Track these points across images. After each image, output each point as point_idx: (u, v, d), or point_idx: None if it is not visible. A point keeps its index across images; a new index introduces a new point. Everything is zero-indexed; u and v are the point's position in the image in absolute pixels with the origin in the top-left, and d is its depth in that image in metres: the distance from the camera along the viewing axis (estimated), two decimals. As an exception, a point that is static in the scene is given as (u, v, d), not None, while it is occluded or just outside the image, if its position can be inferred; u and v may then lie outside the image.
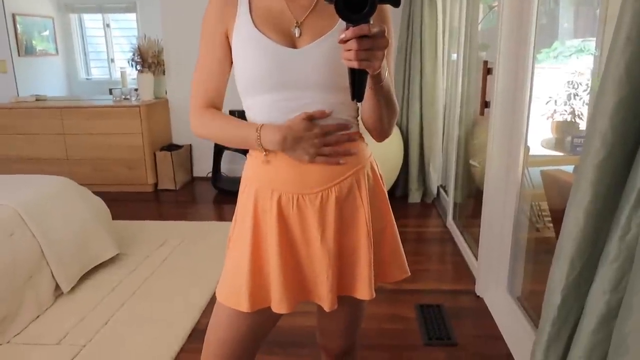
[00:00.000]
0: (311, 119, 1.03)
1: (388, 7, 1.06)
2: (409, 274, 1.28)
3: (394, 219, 1.24)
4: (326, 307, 1.11)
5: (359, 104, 1.09)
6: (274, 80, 1.03)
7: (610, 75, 0.62)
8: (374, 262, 1.12)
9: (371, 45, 0.82)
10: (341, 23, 0.98)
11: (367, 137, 1.17)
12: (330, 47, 1.02)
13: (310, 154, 1.03)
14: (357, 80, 0.87)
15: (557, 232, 2.16)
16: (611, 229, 0.70)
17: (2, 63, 4.80)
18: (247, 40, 1.05)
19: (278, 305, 1.08)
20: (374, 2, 0.79)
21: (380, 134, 1.12)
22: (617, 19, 0.64)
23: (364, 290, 1.12)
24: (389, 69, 1.01)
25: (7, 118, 4.29)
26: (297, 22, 1.05)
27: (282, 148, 1.04)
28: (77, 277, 2.54)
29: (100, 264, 2.74)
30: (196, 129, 1.14)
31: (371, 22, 0.82)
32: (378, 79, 0.94)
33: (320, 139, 1.03)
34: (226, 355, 1.18)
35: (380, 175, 1.20)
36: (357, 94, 0.89)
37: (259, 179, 1.11)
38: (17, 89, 4.85)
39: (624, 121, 0.62)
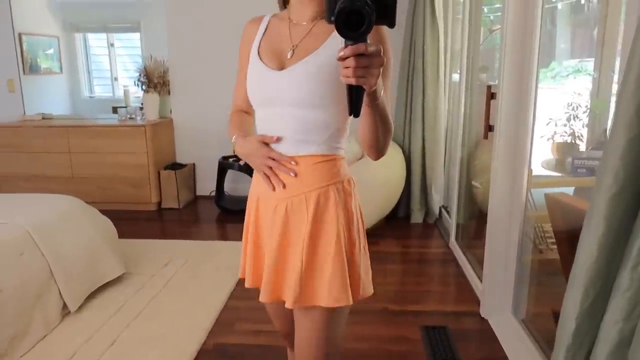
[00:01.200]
0: (263, 142, 1.20)
1: (385, 31, 1.11)
2: (341, 304, 1.18)
3: (355, 244, 1.24)
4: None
5: (351, 121, 1.17)
6: (259, 98, 1.21)
7: (621, 116, 0.66)
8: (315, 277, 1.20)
9: (368, 63, 0.87)
10: (326, 45, 1.15)
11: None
12: (307, 68, 1.14)
13: (256, 167, 1.22)
14: (354, 96, 0.92)
15: (561, 254, 2.19)
16: (623, 260, 0.73)
17: (11, 82, 4.86)
18: (250, 63, 1.24)
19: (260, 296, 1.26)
20: (370, 22, 0.83)
21: (377, 152, 1.16)
22: (627, 60, 0.68)
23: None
24: (385, 89, 1.07)
25: (14, 136, 4.34)
26: (293, 45, 1.19)
27: (242, 156, 1.24)
28: (84, 297, 2.56)
29: (106, 283, 2.76)
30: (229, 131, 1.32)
31: (368, 41, 0.87)
32: (374, 97, 1.00)
33: (264, 159, 1.19)
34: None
35: (352, 196, 1.24)
36: (354, 110, 0.94)
37: (254, 186, 1.30)
38: (24, 107, 4.90)
39: (634, 159, 0.66)
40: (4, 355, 2.03)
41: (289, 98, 1.15)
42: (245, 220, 1.34)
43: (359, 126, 1.11)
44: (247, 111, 1.33)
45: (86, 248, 2.63)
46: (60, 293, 2.40)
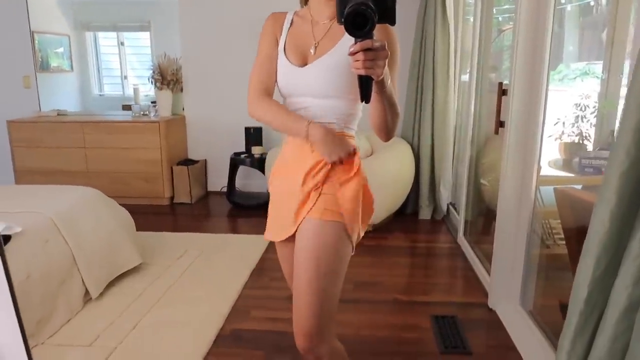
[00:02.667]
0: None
1: (393, 30, 1.30)
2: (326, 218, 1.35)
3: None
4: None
5: (363, 105, 1.30)
6: (286, 90, 1.40)
7: (633, 96, 0.73)
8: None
9: (374, 56, 1.05)
10: (339, 44, 1.33)
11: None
12: (324, 65, 1.33)
13: (330, 153, 1.34)
14: (364, 85, 1.11)
15: (569, 249, 2.26)
16: (633, 230, 0.80)
17: (27, 79, 4.96)
18: (278, 58, 1.40)
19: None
20: (373, 22, 1.01)
21: (386, 134, 1.33)
22: None
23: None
24: (392, 79, 1.24)
25: (31, 132, 4.44)
26: (315, 42, 1.37)
27: (319, 141, 1.33)
28: (105, 284, 2.64)
29: (125, 272, 2.84)
30: (253, 111, 1.41)
31: (374, 37, 1.04)
32: (382, 85, 1.17)
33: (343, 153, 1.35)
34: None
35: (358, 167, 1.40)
36: (364, 96, 1.13)
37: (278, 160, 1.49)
38: (39, 103, 5.00)
39: (645, 136, 0.73)
40: (31, 336, 2.11)
41: (309, 90, 1.35)
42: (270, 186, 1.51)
43: (370, 112, 1.29)
44: (270, 93, 1.42)
45: (106, 237, 2.71)
46: (82, 280, 2.49)
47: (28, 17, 5.03)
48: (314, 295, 1.31)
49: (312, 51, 1.36)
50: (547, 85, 2.24)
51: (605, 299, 0.85)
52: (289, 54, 1.37)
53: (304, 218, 1.36)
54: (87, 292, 2.52)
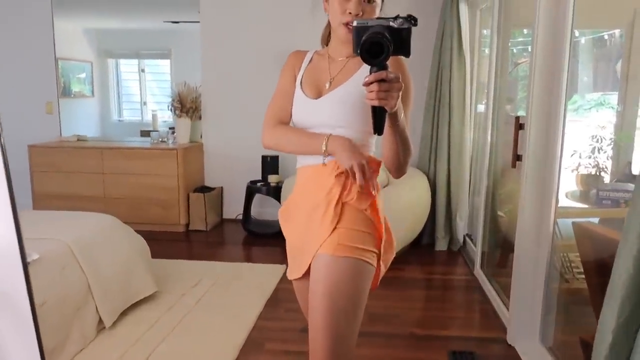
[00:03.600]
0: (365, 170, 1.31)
1: (406, 65, 1.34)
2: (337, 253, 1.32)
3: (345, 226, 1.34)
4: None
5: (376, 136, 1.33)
6: (300, 122, 1.42)
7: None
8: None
9: (388, 87, 1.08)
10: (353, 78, 1.37)
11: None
12: (337, 97, 1.36)
13: (349, 161, 1.28)
14: (378, 116, 1.13)
15: (589, 283, 2.21)
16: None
17: (49, 105, 5.09)
18: (295, 92, 1.44)
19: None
20: (388, 50, 1.05)
21: (398, 170, 1.34)
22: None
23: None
24: (405, 115, 1.25)
25: (51, 156, 4.53)
26: (331, 78, 1.41)
27: (339, 147, 1.30)
28: (119, 312, 2.64)
29: (139, 301, 2.84)
30: (268, 138, 1.45)
31: (389, 69, 1.07)
32: (395, 118, 1.18)
33: (361, 159, 1.29)
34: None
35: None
36: (377, 128, 1.15)
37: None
38: (60, 128, 5.11)
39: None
40: (45, 365, 2.11)
41: (321, 120, 1.37)
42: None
43: (383, 146, 1.30)
44: (284, 123, 1.45)
45: (122, 265, 2.73)
46: (96, 308, 2.49)
47: (54, 45, 5.19)
48: (329, 338, 1.27)
49: (327, 85, 1.40)
50: (565, 119, 2.23)
51: (631, 345, 0.83)
52: (305, 87, 1.42)
53: (316, 253, 1.33)
54: (100, 321, 2.52)
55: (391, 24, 1.10)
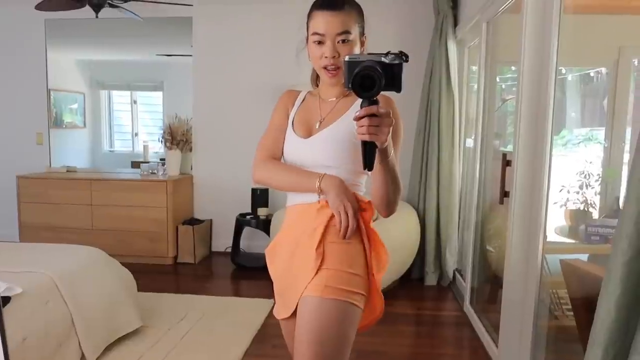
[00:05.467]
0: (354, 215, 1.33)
1: (394, 103, 1.34)
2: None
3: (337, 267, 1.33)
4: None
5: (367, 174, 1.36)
6: (292, 161, 1.43)
7: (633, 186, 0.74)
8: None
9: (379, 122, 1.08)
10: (342, 118, 1.38)
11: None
12: (326, 136, 1.37)
13: (337, 204, 1.31)
14: (368, 151, 1.14)
15: (577, 320, 2.21)
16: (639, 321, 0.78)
17: (39, 135, 5.09)
18: (286, 130, 1.46)
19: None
20: (380, 84, 1.07)
21: (387, 208, 1.33)
22: (638, 138, 0.77)
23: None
24: (395, 153, 1.26)
25: (40, 187, 4.50)
26: (321, 118, 1.43)
27: (332, 187, 1.32)
28: (102, 348, 2.58)
29: (123, 336, 2.78)
30: (259, 173, 1.45)
31: (380, 105, 1.08)
32: (385, 154, 1.19)
33: (348, 206, 1.31)
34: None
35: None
36: (367, 164, 1.15)
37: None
38: (50, 159, 5.09)
39: (647, 227, 0.73)
40: (23, 404, 2.05)
41: (311, 160, 1.38)
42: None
43: (372, 184, 1.29)
44: (276, 158, 1.46)
45: (107, 299, 2.68)
46: (79, 343, 2.43)
47: (46, 77, 5.22)
48: None
49: (317, 125, 1.42)
50: (551, 155, 2.25)
51: (615, 392, 0.82)
52: (297, 127, 1.44)
53: (303, 295, 1.31)
54: (83, 356, 2.46)
55: (383, 59, 1.11)
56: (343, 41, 1.33)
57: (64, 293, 2.41)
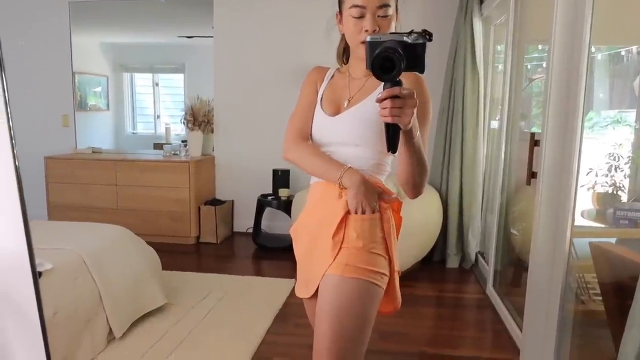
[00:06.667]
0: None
1: (424, 82, 1.33)
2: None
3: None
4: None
5: (391, 155, 1.30)
6: (319, 138, 1.41)
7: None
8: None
9: (402, 104, 1.05)
10: (370, 97, 1.34)
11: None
12: (354, 115, 1.35)
13: (359, 201, 1.30)
14: (392, 134, 1.10)
15: (606, 305, 2.17)
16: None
17: (65, 117, 5.15)
18: (315, 108, 1.43)
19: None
20: (400, 66, 1.02)
21: (413, 190, 1.30)
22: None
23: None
24: (422, 134, 1.23)
25: (66, 168, 4.57)
26: (350, 96, 1.40)
27: (352, 188, 1.30)
28: (129, 324, 2.63)
29: (149, 312, 2.83)
30: (289, 154, 1.42)
31: (403, 85, 1.04)
32: (410, 136, 1.15)
33: (372, 204, 1.31)
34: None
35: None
36: (391, 146, 1.12)
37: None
38: (76, 141, 5.16)
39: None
40: (54, 377, 2.10)
41: (338, 138, 1.37)
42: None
43: (397, 165, 1.26)
44: (306, 136, 1.44)
45: (133, 277, 2.72)
46: (107, 319, 2.48)
47: (71, 59, 5.27)
48: None
49: (345, 103, 1.39)
50: (582, 137, 2.19)
51: (654, 373, 0.80)
52: (325, 104, 1.42)
53: (324, 274, 1.31)
54: (110, 331, 2.51)
55: (405, 39, 1.07)
56: (383, 16, 1.29)
57: (92, 270, 2.45)
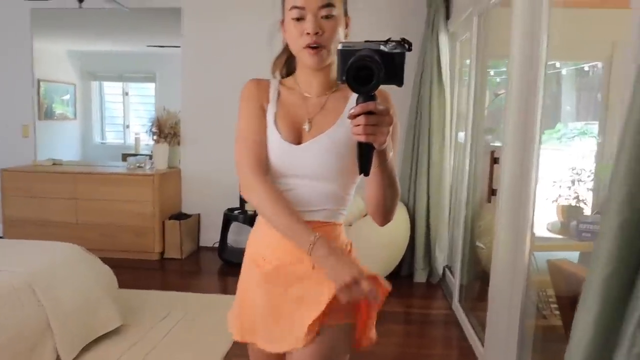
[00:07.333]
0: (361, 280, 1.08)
1: (391, 96, 1.19)
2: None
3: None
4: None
5: (361, 178, 1.15)
6: (278, 170, 1.22)
7: (613, 199, 0.68)
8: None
9: (377, 121, 0.94)
10: (340, 122, 1.19)
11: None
12: (325, 143, 1.19)
13: (338, 278, 1.08)
14: (364, 154, 0.98)
15: (564, 320, 2.15)
16: (619, 341, 0.72)
17: (25, 128, 5.00)
18: (268, 133, 1.23)
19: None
20: (379, 76, 0.91)
21: (383, 216, 1.19)
22: (618, 144, 0.71)
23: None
24: (393, 155, 1.10)
25: (24, 181, 4.42)
26: (309, 118, 1.23)
27: (325, 266, 1.11)
28: (79, 349, 2.52)
29: (103, 335, 2.72)
30: (250, 193, 1.21)
31: (377, 101, 0.94)
32: (383, 157, 1.05)
33: (354, 283, 1.07)
34: None
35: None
36: (363, 168, 1.00)
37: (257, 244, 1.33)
38: (35, 152, 5.01)
39: (627, 241, 0.67)
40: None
41: (305, 171, 1.20)
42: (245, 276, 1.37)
43: (367, 189, 1.14)
44: (266, 169, 1.23)
45: (85, 298, 2.61)
46: (55, 345, 2.37)
47: (32, 68, 5.13)
48: None
49: (305, 128, 1.22)
50: (539, 154, 2.19)
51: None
52: (282, 129, 1.21)
53: (301, 347, 1.20)
54: (58, 357, 2.39)
55: (382, 47, 0.96)
56: (327, 17, 1.15)
57: (38, 292, 2.34)
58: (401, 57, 0.96)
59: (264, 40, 1.35)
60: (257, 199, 1.19)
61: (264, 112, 1.24)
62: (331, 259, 1.10)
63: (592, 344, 0.73)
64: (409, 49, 0.96)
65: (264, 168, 1.21)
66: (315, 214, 1.22)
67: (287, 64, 1.32)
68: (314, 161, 1.18)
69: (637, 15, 1.04)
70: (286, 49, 1.29)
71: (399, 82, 0.97)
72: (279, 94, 1.26)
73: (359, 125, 0.94)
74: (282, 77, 1.32)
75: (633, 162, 0.66)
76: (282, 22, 1.24)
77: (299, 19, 1.16)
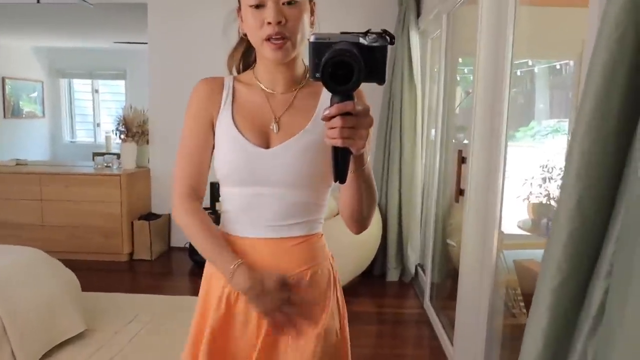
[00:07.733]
0: (285, 284, 1.05)
1: (364, 94, 1.09)
2: None
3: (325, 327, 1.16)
4: None
5: (335, 187, 1.06)
6: (243, 177, 1.09)
7: (562, 208, 0.65)
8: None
9: (355, 123, 0.83)
10: (313, 122, 1.07)
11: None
12: (299, 147, 1.07)
13: (266, 310, 1.05)
14: (340, 160, 0.87)
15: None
16: (569, 351, 0.70)
17: (-14, 127, 4.83)
18: (225, 135, 1.10)
19: None
20: (359, 73, 0.79)
21: (359, 224, 1.10)
22: (566, 154, 0.68)
23: None
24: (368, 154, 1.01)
25: (-16, 182, 4.26)
26: (275, 118, 1.10)
27: (245, 294, 1.06)
28: (39, 355, 2.43)
29: (66, 341, 2.63)
30: (177, 217, 1.15)
31: (355, 100, 0.83)
32: (360, 162, 0.95)
33: (283, 303, 1.05)
34: None
35: (334, 278, 1.21)
36: (339, 175, 0.88)
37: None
38: (-2, 152, 4.85)
39: (576, 251, 0.65)
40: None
41: (276, 179, 1.08)
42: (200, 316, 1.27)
43: (342, 196, 1.05)
44: (200, 193, 1.16)
45: (45, 303, 2.53)
46: (12, 352, 2.28)
47: (-7, 65, 4.95)
48: None
49: (273, 129, 1.09)
50: (506, 153, 2.19)
51: None
52: (245, 132, 1.09)
53: None
54: (17, 366, 2.31)
55: (361, 40, 0.84)
56: (289, 3, 1.02)
57: (-6, 299, 2.25)
58: (382, 52, 0.84)
59: (220, 31, 1.21)
60: (182, 222, 1.13)
61: (211, 124, 1.13)
62: (249, 291, 1.05)
63: (542, 355, 0.71)
64: (392, 42, 0.85)
65: (197, 194, 1.14)
66: (294, 228, 1.12)
67: (244, 57, 1.21)
68: (286, 168, 1.07)
69: (594, 13, 1.03)
70: (243, 40, 1.17)
71: (380, 80, 0.85)
72: (234, 93, 1.14)
73: (334, 128, 0.83)
74: (239, 72, 1.21)
75: (582, 170, 0.63)
76: (239, 9, 1.10)
77: (258, 6, 1.03)
